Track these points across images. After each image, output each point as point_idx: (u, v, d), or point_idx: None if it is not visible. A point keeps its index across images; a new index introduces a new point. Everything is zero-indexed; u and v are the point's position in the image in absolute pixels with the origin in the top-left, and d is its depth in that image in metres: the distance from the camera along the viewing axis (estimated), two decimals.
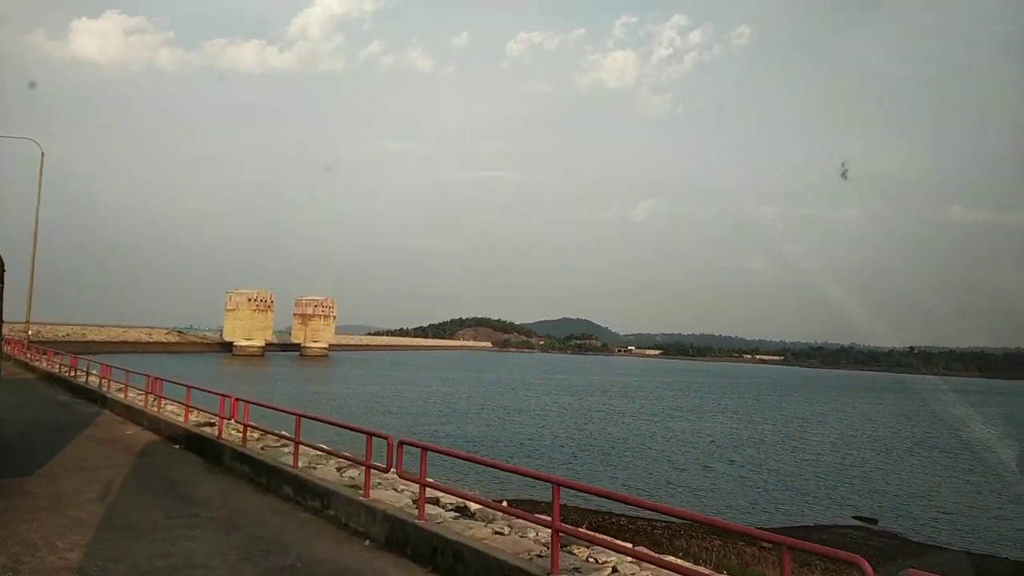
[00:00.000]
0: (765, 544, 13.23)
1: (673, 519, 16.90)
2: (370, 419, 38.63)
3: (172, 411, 16.90)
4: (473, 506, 9.30)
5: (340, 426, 11.35)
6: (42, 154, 33.35)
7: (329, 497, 9.52)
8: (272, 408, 12.83)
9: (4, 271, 10.64)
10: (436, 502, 9.38)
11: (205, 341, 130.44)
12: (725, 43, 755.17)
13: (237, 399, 13.04)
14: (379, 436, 8.89)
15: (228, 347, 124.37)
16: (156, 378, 17.11)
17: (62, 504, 9.23)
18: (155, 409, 17.00)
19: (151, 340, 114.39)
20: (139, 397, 19.12)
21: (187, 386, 15.34)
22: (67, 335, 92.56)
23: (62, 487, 10.17)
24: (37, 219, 33.51)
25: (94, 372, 24.06)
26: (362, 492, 9.12)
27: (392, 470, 8.74)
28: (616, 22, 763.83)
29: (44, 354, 32.61)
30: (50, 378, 27.72)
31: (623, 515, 18.15)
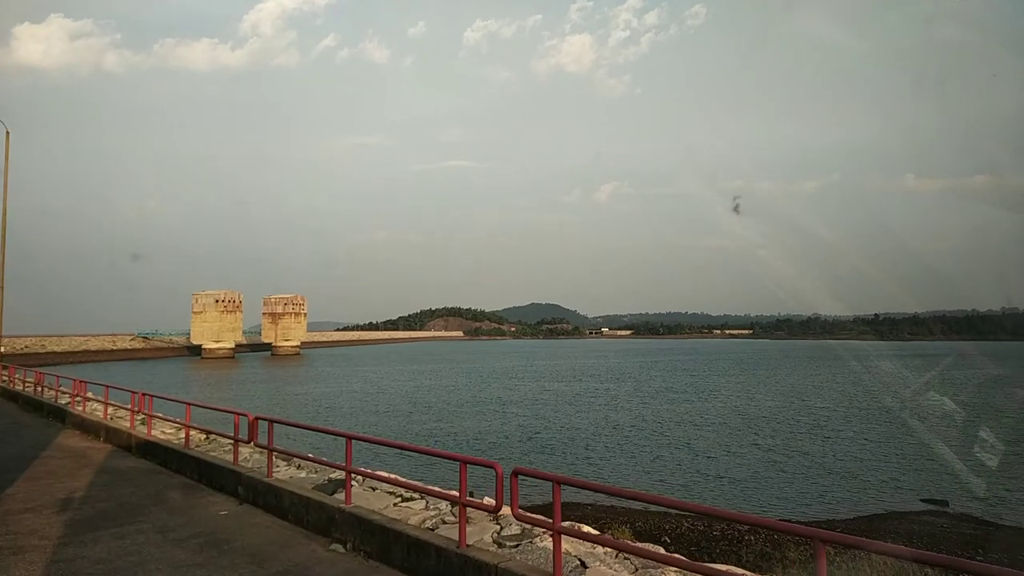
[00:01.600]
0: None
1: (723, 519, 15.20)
2: (363, 420, 36.60)
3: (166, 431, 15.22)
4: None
5: (433, 454, 8.31)
6: (7, 133, 29.31)
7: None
8: (312, 429, 10.76)
9: None
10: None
11: (172, 346, 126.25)
12: (681, 23, 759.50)
13: (257, 418, 10.91)
14: (482, 464, 6.74)
15: (196, 350, 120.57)
16: (144, 394, 15.24)
17: None
18: (142, 430, 15.01)
19: (115, 348, 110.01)
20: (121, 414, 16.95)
21: (187, 403, 13.27)
22: (26, 347, 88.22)
23: None
24: (4, 208, 29.04)
25: (64, 389, 21.59)
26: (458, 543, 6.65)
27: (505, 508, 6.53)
28: (572, 6, 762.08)
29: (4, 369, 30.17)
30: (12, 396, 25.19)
31: (666, 516, 16.54)
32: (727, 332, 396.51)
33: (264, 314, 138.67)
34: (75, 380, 18.88)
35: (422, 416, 37.94)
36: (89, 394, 19.19)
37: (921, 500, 18.15)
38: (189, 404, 12.94)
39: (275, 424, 10.25)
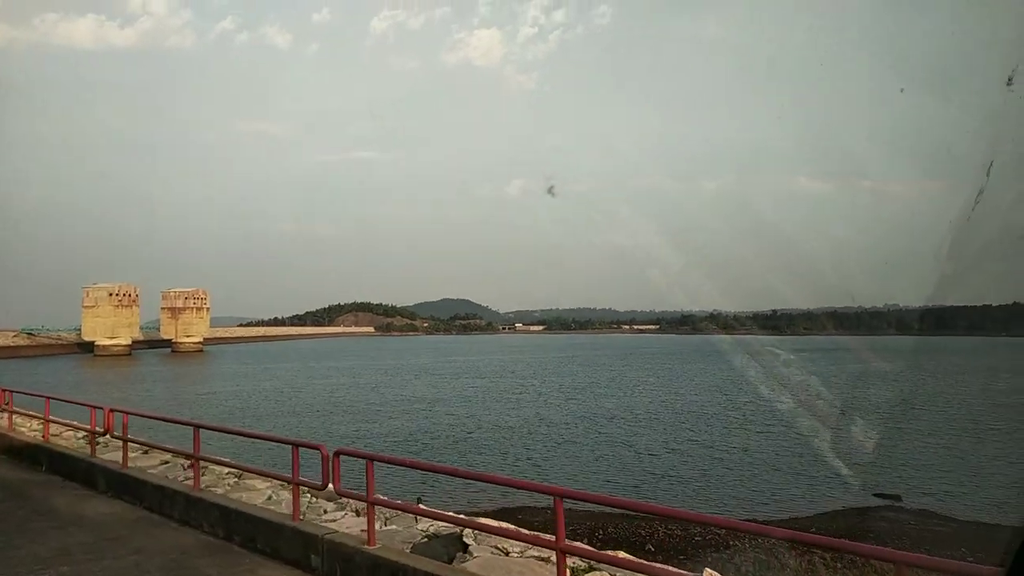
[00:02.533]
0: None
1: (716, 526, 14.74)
2: (281, 421, 34.53)
3: (30, 426, 15.11)
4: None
5: (267, 439, 10.59)
6: None
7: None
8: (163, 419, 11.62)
9: None
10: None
11: (60, 342, 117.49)
12: (588, 23, 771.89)
13: (113, 409, 11.31)
14: (309, 447, 7.59)
15: (88, 347, 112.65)
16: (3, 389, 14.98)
17: None
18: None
19: None
20: None
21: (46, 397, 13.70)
22: None
23: None
24: None
25: None
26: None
27: (329, 486, 7.35)
28: (480, 0, 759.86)
29: None
30: None
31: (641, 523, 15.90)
32: (635, 327, 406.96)
33: (163, 308, 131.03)
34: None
35: (343, 417, 36.14)
36: None
37: (874, 495, 18.28)
38: (48, 398, 13.55)
39: (130, 416, 11.07)
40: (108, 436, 11.40)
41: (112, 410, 11.30)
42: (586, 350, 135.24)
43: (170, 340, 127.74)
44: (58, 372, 73.60)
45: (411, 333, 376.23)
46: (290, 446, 7.72)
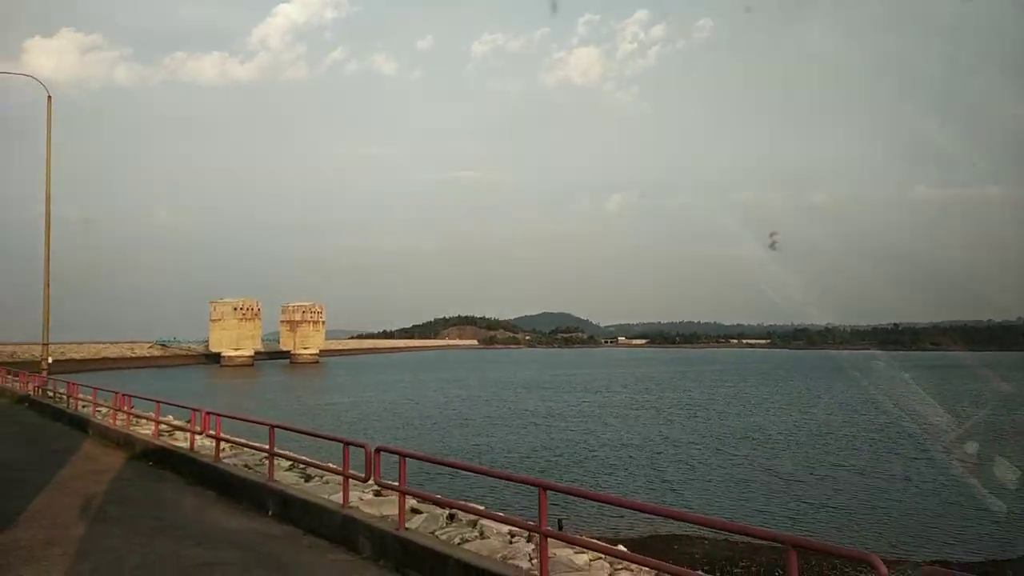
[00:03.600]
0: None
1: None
2: (398, 434, 34.54)
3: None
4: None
5: (321, 436, 12.44)
6: (49, 97, 27.63)
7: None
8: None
9: None
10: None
11: (190, 353, 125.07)
12: (688, 36, 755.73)
13: (208, 412, 13.55)
14: (355, 444, 9.12)
15: (215, 358, 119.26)
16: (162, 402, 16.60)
17: None
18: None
19: (134, 355, 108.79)
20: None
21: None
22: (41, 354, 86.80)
23: None
24: (48, 179, 27.29)
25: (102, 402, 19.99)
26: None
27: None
28: (579, 20, 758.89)
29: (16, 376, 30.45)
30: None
31: None
32: (744, 341, 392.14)
33: (282, 322, 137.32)
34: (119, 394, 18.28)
35: (461, 431, 35.73)
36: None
37: None
38: (159, 402, 16.27)
39: (222, 418, 13.04)
40: (204, 435, 13.46)
41: (208, 413, 13.35)
42: (696, 365, 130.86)
43: (288, 352, 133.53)
44: (189, 381, 78.03)
45: (513, 346, 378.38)
46: (341, 444, 9.14)
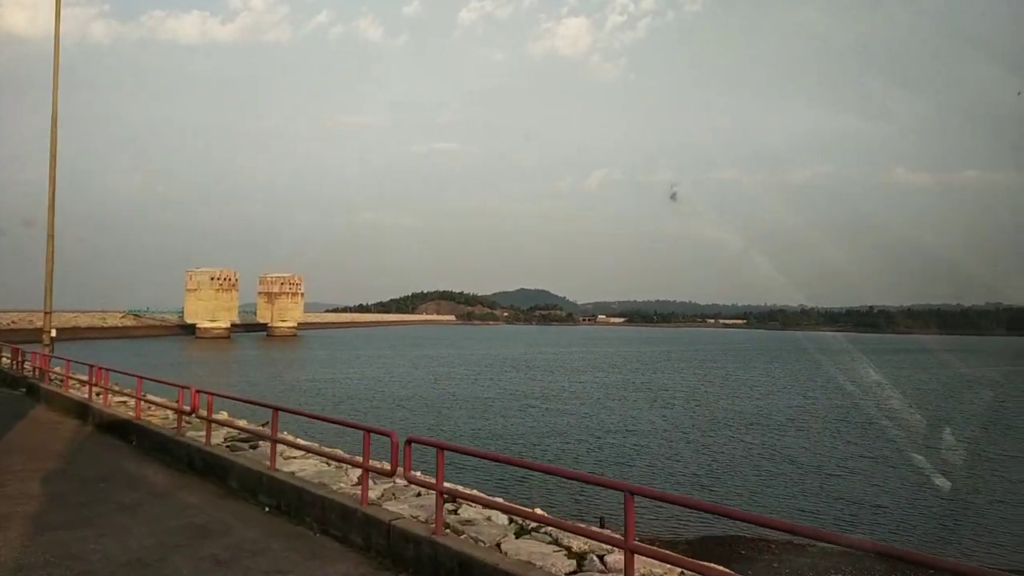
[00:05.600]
0: None
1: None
2: (387, 415, 32.82)
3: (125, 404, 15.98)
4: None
5: (336, 423, 10.36)
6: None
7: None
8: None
9: None
10: None
11: (164, 324, 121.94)
12: (678, 9, 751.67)
13: (199, 390, 11.91)
14: (380, 432, 7.60)
15: (190, 329, 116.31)
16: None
17: None
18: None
19: (106, 325, 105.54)
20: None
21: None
22: (12, 323, 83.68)
23: None
24: (54, 137, 20.67)
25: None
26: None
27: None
28: None
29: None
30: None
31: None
32: (720, 321, 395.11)
33: (260, 293, 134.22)
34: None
35: (453, 412, 34.04)
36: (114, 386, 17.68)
37: None
38: (140, 378, 14.03)
39: (214, 396, 11.56)
40: (194, 415, 12.05)
41: (199, 391, 11.78)
42: (678, 345, 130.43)
43: (266, 324, 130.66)
44: (164, 353, 75.40)
45: (491, 322, 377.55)
46: (362, 431, 7.76)
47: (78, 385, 17.80)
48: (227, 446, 11.27)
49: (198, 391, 11.80)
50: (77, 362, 18.64)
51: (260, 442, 11.35)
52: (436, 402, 37.76)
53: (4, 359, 25.15)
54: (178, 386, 12.54)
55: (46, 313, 22.11)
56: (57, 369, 19.23)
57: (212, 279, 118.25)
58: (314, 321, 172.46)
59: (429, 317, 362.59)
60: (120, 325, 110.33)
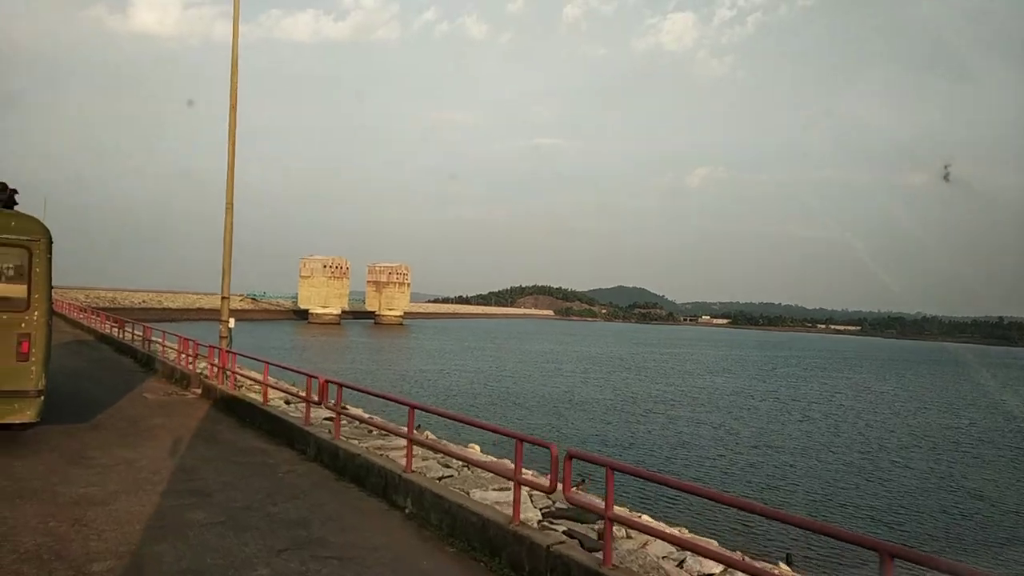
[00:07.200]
0: None
1: None
2: (504, 412, 31.45)
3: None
4: None
5: (490, 429, 8.51)
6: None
7: None
8: None
9: (52, 242, 9.89)
10: None
11: (279, 308, 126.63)
12: (791, 3, 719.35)
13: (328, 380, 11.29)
14: (537, 443, 6.68)
15: (302, 314, 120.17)
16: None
17: None
18: None
19: None
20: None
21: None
22: (143, 302, 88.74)
23: None
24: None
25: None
26: None
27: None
28: None
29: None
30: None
31: None
32: (832, 327, 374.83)
33: (369, 282, 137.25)
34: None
35: (574, 415, 32.31)
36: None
37: None
38: (267, 363, 13.70)
39: (343, 388, 10.93)
40: (322, 406, 11.41)
41: (327, 381, 11.18)
42: (790, 350, 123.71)
43: (373, 312, 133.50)
44: (280, 336, 77.80)
45: (589, 319, 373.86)
46: (514, 440, 6.99)
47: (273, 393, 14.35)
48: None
49: (327, 381, 11.18)
50: (253, 358, 15.97)
51: (388, 437, 10.61)
52: (551, 401, 36.15)
53: (169, 350, 21.45)
54: (307, 374, 11.83)
55: (223, 298, 17.66)
56: (244, 372, 16.12)
57: (325, 267, 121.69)
58: (419, 311, 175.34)
59: (527, 311, 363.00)
60: (239, 308, 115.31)
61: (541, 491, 7.01)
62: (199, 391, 16.32)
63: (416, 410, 8.91)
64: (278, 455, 10.64)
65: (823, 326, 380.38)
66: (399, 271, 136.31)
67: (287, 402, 13.88)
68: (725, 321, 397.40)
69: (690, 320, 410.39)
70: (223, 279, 17.42)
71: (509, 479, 7.08)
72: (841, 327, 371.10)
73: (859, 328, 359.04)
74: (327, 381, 11.20)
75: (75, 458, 9.57)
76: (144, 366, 21.45)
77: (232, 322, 17.66)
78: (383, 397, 11.16)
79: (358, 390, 11.48)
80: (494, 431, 8.39)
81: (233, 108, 17.37)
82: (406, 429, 8.89)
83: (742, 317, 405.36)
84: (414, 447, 8.79)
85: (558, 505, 7.57)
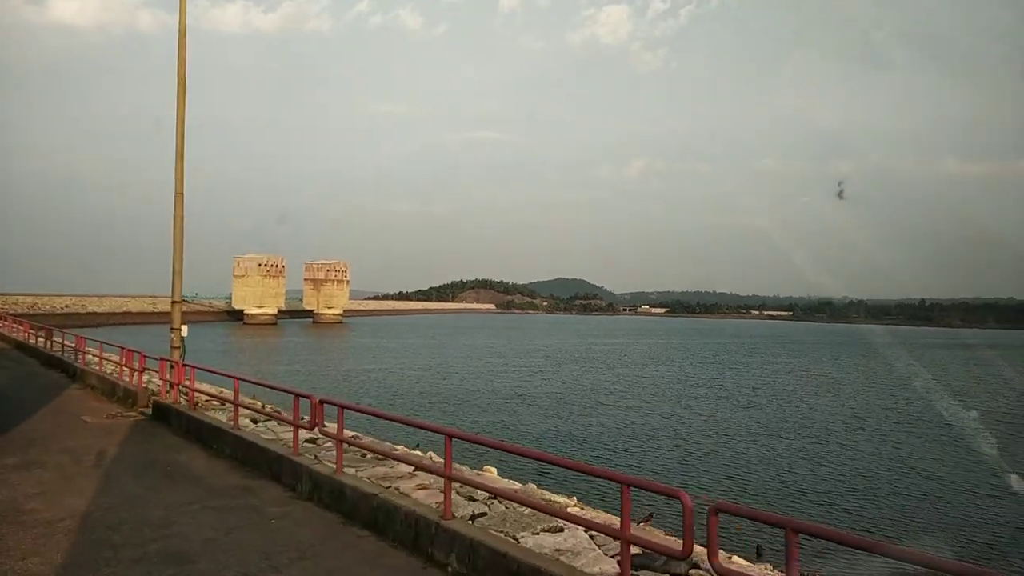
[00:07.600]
0: None
1: None
2: (464, 413, 30.74)
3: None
4: None
5: (579, 470, 6.15)
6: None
7: None
8: None
9: None
10: None
11: (212, 309, 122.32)
12: None
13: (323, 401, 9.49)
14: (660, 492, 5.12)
15: (237, 315, 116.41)
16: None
17: None
18: None
19: (155, 310, 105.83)
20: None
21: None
22: (66, 307, 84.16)
23: None
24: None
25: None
26: None
27: None
28: None
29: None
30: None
31: None
32: (765, 313, 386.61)
33: (306, 280, 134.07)
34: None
35: (525, 410, 31.90)
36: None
37: None
38: (237, 378, 11.95)
39: (345, 410, 9.02)
40: (316, 431, 9.55)
41: (323, 401, 9.33)
42: (728, 337, 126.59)
43: (311, 311, 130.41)
44: (214, 339, 74.86)
45: (531, 311, 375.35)
46: (619, 484, 5.26)
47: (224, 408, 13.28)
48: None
49: (322, 402, 9.32)
50: (221, 373, 14.44)
51: (387, 462, 9.29)
52: (502, 397, 35.58)
53: (108, 362, 20.05)
54: (296, 393, 9.94)
55: (174, 302, 15.89)
56: (201, 387, 14.76)
57: (260, 265, 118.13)
58: (358, 308, 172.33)
59: (469, 306, 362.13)
60: (169, 310, 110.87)
61: (667, 555, 5.15)
62: (149, 411, 14.88)
63: (441, 436, 7.12)
64: (263, 493, 9.02)
65: (757, 312, 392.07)
66: (337, 268, 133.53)
67: (254, 421, 12.38)
68: (663, 310, 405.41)
69: (629, 310, 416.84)
70: (174, 280, 15.82)
71: (612, 536, 5.42)
72: (774, 312, 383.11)
73: (791, 313, 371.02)
74: (322, 401, 9.33)
75: None
76: (78, 381, 19.62)
77: (185, 329, 16.29)
78: (406, 423, 8.78)
79: (368, 413, 9.51)
80: (553, 462, 6.58)
81: (182, 80, 16.16)
82: (408, 453, 7.69)
83: (679, 306, 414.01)
84: (419, 472, 7.69)
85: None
